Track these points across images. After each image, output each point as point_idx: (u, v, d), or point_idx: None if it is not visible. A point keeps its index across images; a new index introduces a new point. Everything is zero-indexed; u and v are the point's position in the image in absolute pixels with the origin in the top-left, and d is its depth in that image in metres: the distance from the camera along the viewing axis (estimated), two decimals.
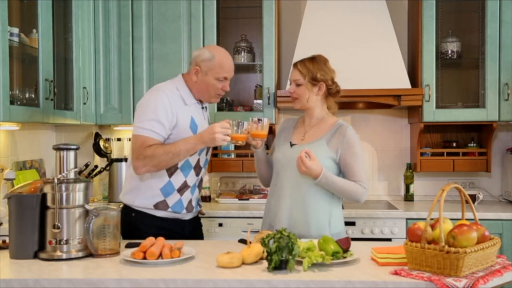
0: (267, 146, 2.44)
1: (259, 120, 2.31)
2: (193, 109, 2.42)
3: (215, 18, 3.47)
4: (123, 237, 2.37)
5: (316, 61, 2.34)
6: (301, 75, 2.32)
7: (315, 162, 2.17)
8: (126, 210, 2.39)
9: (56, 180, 1.98)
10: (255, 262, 1.88)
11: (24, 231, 1.97)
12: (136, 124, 2.32)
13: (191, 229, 2.52)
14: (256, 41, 3.66)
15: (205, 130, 2.26)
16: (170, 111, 2.31)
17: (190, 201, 2.45)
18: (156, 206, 2.39)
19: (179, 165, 2.38)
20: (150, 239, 1.97)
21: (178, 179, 2.39)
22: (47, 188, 2.00)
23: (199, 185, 2.54)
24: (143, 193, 2.40)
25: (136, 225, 2.42)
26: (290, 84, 2.39)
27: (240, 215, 3.22)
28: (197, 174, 2.46)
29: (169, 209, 2.39)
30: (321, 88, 2.32)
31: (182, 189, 2.41)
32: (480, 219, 1.89)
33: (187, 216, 2.48)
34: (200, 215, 2.68)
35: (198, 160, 2.45)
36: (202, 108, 2.51)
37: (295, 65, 2.37)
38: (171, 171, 2.38)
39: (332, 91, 2.35)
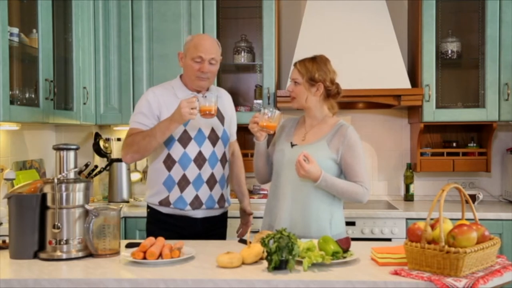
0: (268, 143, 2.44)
1: (269, 111, 2.28)
2: None
3: (215, 18, 3.47)
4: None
5: (316, 62, 2.33)
6: (300, 74, 2.33)
7: (314, 165, 2.16)
8: (147, 207, 2.56)
9: (56, 180, 1.98)
10: (255, 262, 1.88)
11: (24, 231, 1.97)
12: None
13: (202, 229, 2.48)
14: (256, 41, 3.66)
15: (176, 108, 2.27)
16: (155, 104, 2.42)
17: (196, 197, 2.43)
18: (161, 203, 2.45)
19: (176, 158, 2.41)
20: (150, 239, 1.97)
21: (177, 172, 2.42)
22: (47, 188, 2.00)
23: (211, 180, 2.46)
24: (151, 189, 2.50)
25: (149, 221, 2.55)
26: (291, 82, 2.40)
27: None
28: (200, 168, 2.43)
29: (172, 206, 2.43)
30: (319, 88, 2.32)
31: (183, 184, 2.41)
32: (480, 219, 1.89)
33: (198, 214, 2.47)
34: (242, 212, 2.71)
35: (200, 153, 2.43)
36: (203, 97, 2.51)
37: (295, 64, 2.38)
38: (167, 164, 2.42)
39: (331, 93, 2.34)
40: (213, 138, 2.48)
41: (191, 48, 2.43)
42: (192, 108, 2.20)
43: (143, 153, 2.37)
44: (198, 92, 2.49)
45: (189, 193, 2.43)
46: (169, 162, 2.43)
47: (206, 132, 2.47)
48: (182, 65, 2.50)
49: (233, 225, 2.80)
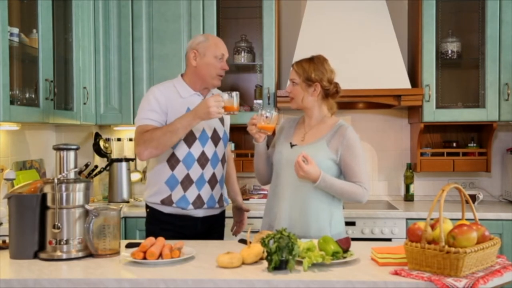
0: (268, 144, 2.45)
1: (267, 112, 2.29)
2: (190, 100, 2.45)
3: (215, 18, 3.47)
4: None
5: (313, 62, 2.33)
6: (297, 75, 2.33)
7: (313, 166, 2.16)
8: (146, 207, 2.55)
9: (56, 180, 1.98)
10: (255, 262, 1.88)
11: (24, 231, 1.97)
12: (135, 119, 2.47)
13: (202, 228, 2.50)
14: (256, 41, 3.66)
15: (199, 105, 2.29)
16: (163, 100, 2.42)
17: (198, 197, 2.44)
18: (162, 202, 2.45)
19: (180, 158, 2.42)
20: (150, 239, 1.97)
21: (180, 171, 2.43)
22: (47, 188, 2.00)
23: (213, 180, 2.48)
24: (152, 188, 2.48)
25: (149, 221, 2.53)
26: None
27: None
28: (203, 167, 2.45)
29: (174, 205, 2.43)
30: (316, 88, 2.32)
31: (186, 183, 2.42)
32: (480, 219, 1.89)
33: (199, 214, 2.48)
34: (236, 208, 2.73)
35: (203, 153, 2.45)
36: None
37: (293, 65, 2.38)
38: (171, 163, 2.43)
39: (330, 92, 2.34)
40: (215, 138, 2.50)
41: (212, 47, 2.46)
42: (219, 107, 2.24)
43: (162, 148, 2.35)
44: (202, 92, 2.50)
45: (192, 193, 2.44)
46: (172, 162, 2.43)
47: (209, 133, 2.48)
48: (195, 65, 2.47)
49: (230, 225, 2.79)
